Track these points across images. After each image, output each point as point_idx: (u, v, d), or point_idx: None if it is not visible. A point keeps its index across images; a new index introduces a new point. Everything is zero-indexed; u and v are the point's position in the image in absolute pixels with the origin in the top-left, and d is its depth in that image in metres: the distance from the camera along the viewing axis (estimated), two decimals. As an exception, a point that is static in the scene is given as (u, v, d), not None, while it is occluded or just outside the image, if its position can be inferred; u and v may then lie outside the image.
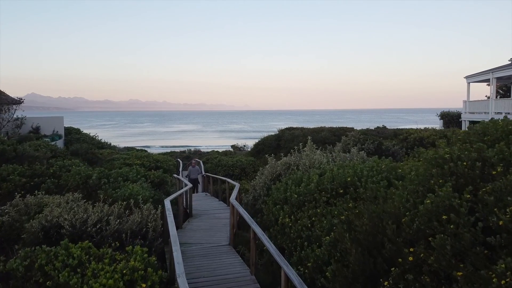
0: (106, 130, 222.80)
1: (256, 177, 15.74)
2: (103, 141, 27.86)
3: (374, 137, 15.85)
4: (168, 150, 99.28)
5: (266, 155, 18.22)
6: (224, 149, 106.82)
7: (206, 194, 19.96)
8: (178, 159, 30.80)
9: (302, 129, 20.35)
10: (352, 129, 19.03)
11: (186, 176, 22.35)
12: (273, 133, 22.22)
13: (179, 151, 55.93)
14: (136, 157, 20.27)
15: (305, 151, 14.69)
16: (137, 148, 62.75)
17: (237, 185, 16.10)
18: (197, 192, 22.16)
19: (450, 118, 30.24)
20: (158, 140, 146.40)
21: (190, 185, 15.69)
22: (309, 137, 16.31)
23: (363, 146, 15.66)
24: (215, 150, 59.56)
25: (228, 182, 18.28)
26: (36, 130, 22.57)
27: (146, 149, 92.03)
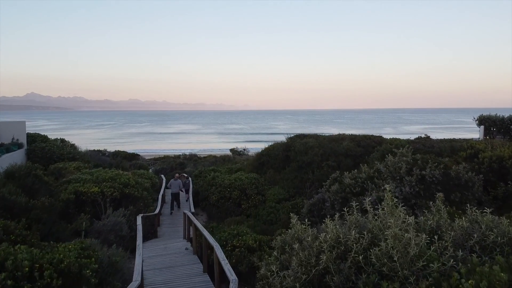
0: (104, 131, 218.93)
1: (267, 261, 6.99)
2: (79, 149, 23.56)
3: (433, 158, 10.68)
4: (163, 153, 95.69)
5: (272, 170, 14.05)
6: (223, 153, 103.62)
7: (186, 249, 13.87)
8: (162, 176, 26.70)
9: (316, 137, 16.00)
10: (380, 137, 14.64)
11: (168, 187, 18.82)
12: (280, 141, 17.98)
13: (173, 155, 52.17)
14: (98, 180, 14.91)
15: (372, 207, 5.40)
16: (129, 152, 58.74)
17: (216, 248, 10.02)
18: (178, 207, 18.57)
19: (492, 123, 23.86)
20: (154, 142, 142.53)
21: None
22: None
23: (423, 172, 9.98)
24: (212, 154, 55.57)
25: (205, 238, 11.39)
26: (-10, 137, 18.43)
27: (140, 153, 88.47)
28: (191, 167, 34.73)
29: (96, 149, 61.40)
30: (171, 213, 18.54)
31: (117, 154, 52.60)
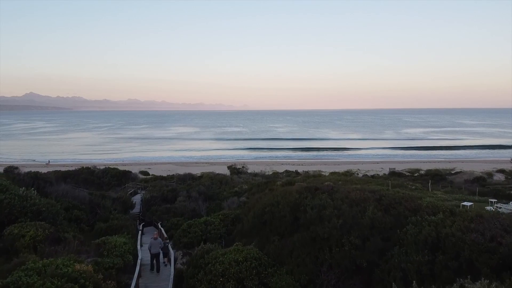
0: (101, 133, 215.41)
1: None
2: (38, 201, 18.62)
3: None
4: (158, 161, 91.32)
5: (277, 238, 10.70)
6: (221, 161, 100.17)
7: None
8: (139, 227, 23.64)
9: (331, 192, 12.61)
10: (415, 201, 11.18)
11: (148, 249, 16.02)
12: (287, 201, 14.88)
13: (166, 175, 48.88)
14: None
15: None
16: (121, 169, 55.38)
17: None
18: (158, 271, 15.58)
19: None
20: (150, 148, 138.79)
21: None
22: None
23: None
24: (209, 173, 51.92)
25: None
26: None
27: (134, 161, 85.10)
28: (183, 197, 31.27)
29: (85, 167, 57.98)
30: (151, 270, 15.93)
31: (107, 172, 49.26)
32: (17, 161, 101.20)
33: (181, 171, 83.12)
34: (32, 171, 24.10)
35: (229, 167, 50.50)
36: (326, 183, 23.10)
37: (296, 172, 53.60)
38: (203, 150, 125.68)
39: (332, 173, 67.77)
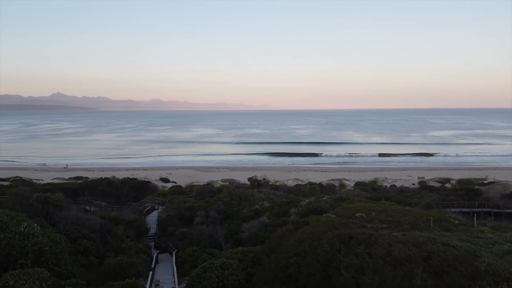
0: (124, 135, 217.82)
1: None
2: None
3: None
4: (178, 165, 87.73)
5: None
6: (241, 166, 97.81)
7: None
8: (153, 253, 22.26)
9: (371, 246, 10.32)
10: (470, 265, 9.16)
11: None
12: (316, 249, 12.86)
13: (185, 186, 47.38)
14: None
15: None
16: (141, 173, 54.43)
17: None
18: None
19: None
20: (171, 151, 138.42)
21: None
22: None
23: None
24: (229, 181, 50.28)
25: None
26: None
27: (154, 165, 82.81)
28: (201, 217, 29.57)
29: (103, 177, 57.23)
30: None
31: (126, 183, 48.27)
32: (37, 165, 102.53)
33: (201, 177, 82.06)
34: (43, 194, 22.72)
35: (249, 179, 48.66)
36: (358, 214, 20.84)
37: (321, 186, 51.23)
38: (223, 155, 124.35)
39: (358, 183, 65.08)
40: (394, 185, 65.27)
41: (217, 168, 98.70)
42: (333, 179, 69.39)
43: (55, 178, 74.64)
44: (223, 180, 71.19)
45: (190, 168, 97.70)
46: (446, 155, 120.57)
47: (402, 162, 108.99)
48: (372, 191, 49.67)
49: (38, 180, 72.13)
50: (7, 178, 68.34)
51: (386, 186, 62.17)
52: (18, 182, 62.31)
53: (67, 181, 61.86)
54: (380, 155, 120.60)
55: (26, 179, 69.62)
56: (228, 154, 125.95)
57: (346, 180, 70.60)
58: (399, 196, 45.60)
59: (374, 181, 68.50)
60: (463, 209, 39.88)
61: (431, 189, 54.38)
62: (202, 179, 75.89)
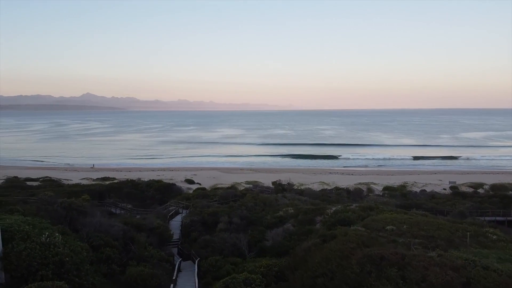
0: (151, 135, 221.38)
1: None
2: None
3: None
4: (202, 166, 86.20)
5: None
6: (265, 168, 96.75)
7: None
8: (175, 261, 21.89)
9: (404, 269, 7.82)
10: None
11: None
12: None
13: (209, 188, 47.12)
14: None
15: None
16: (167, 174, 54.72)
17: None
18: None
19: None
20: (195, 151, 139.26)
21: None
22: None
23: None
24: (252, 185, 49.57)
25: None
26: None
27: (180, 166, 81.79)
28: (224, 223, 29.07)
29: (129, 179, 57.87)
30: None
31: (151, 185, 48.51)
32: (66, 165, 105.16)
33: (225, 178, 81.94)
34: (67, 200, 22.75)
35: (273, 183, 47.84)
36: (389, 227, 19.75)
37: (347, 191, 49.83)
38: (247, 156, 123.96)
39: (386, 188, 63.15)
40: (424, 190, 62.98)
41: (241, 169, 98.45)
42: (360, 183, 67.67)
43: (83, 179, 76.18)
44: (247, 182, 70.74)
45: (214, 169, 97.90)
46: (478, 158, 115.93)
47: (432, 165, 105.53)
48: (401, 197, 47.91)
49: (67, 180, 73.84)
50: (37, 178, 70.21)
51: (415, 191, 60.02)
52: (48, 182, 63.91)
53: (94, 183, 62.94)
54: (415, 158, 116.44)
55: (55, 179, 71.37)
56: (252, 155, 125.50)
57: (374, 184, 68.71)
58: (430, 203, 43.74)
59: (403, 186, 66.35)
60: (497, 218, 37.85)
61: (463, 195, 52.00)
62: (226, 180, 75.76)
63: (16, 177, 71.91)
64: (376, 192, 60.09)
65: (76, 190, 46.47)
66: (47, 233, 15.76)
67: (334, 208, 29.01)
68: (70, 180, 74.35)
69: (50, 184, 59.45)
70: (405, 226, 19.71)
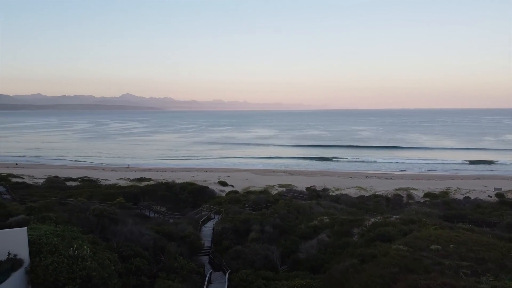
0: (187, 135, 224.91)
1: None
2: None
3: None
4: (235, 167, 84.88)
5: None
6: (298, 170, 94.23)
7: None
8: (206, 271, 21.28)
9: None
10: None
11: None
12: None
13: (242, 191, 46.34)
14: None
15: None
16: (200, 183, 54.70)
17: None
18: None
19: None
20: (230, 153, 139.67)
21: None
22: None
23: None
24: (285, 189, 48.45)
25: None
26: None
27: (213, 167, 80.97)
28: (256, 232, 28.25)
29: (163, 181, 58.35)
30: None
31: (185, 188, 48.59)
32: (103, 165, 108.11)
33: (258, 180, 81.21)
34: (99, 207, 22.68)
35: (307, 189, 46.43)
36: (433, 246, 18.14)
37: (386, 199, 47.56)
38: (281, 158, 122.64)
39: (427, 194, 60.07)
40: (468, 197, 59.44)
41: (274, 171, 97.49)
42: (399, 188, 64.88)
43: (120, 179, 77.84)
44: (280, 185, 69.66)
45: (247, 170, 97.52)
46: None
47: (475, 170, 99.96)
48: (443, 205, 45.19)
49: (105, 180, 75.74)
50: (77, 178, 72.41)
51: (459, 198, 56.73)
52: (86, 182, 65.69)
53: (130, 183, 64.02)
54: (457, 161, 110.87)
55: (93, 179, 73.36)
56: (286, 157, 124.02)
57: (414, 189, 65.67)
58: (475, 213, 40.95)
59: (445, 192, 62.97)
60: (551, 231, 34.67)
61: (511, 204, 48.51)
62: (259, 183, 75.04)
63: (56, 176, 74.61)
64: (417, 199, 57.30)
65: (112, 192, 47.21)
66: (75, 246, 15.52)
67: (372, 220, 27.45)
68: (108, 180, 76.19)
69: (88, 185, 60.99)
70: (451, 245, 18.01)
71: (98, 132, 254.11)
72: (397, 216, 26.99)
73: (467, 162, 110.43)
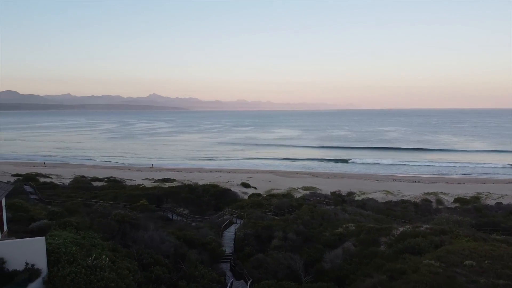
0: (211, 135, 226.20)
1: None
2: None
3: None
4: (258, 168, 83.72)
5: None
6: (323, 172, 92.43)
7: None
8: (227, 280, 20.71)
9: None
10: None
11: None
12: None
13: (264, 194, 45.64)
14: None
15: None
16: (222, 186, 54.45)
17: None
18: None
19: None
20: (253, 154, 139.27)
21: None
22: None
23: None
24: (309, 192, 47.42)
25: None
26: (-3, 266, 13.58)
27: (236, 168, 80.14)
28: (278, 239, 27.57)
29: (186, 183, 58.41)
30: None
31: (208, 190, 48.44)
32: (128, 165, 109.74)
33: (281, 182, 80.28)
34: (120, 212, 22.54)
35: (332, 193, 45.21)
36: (467, 262, 16.98)
37: (415, 205, 45.73)
38: (304, 160, 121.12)
39: (458, 200, 57.68)
40: (500, 203, 56.71)
41: (297, 173, 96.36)
42: (428, 193, 62.65)
43: (145, 179, 78.64)
44: (304, 188, 68.57)
45: (270, 172, 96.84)
46: None
47: (508, 174, 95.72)
48: (475, 212, 43.15)
49: (130, 180, 76.73)
50: (103, 178, 73.62)
51: (490, 204, 54.20)
52: (111, 183, 66.65)
53: (154, 184, 64.47)
54: (482, 166, 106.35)
55: (119, 179, 74.44)
56: (310, 159, 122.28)
57: (443, 194, 63.29)
58: (508, 221, 38.79)
59: (477, 197, 60.34)
60: None
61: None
62: (282, 185, 74.12)
63: (83, 176, 76.14)
64: (446, 204, 55.10)
65: (136, 193, 47.51)
66: (94, 255, 15.29)
67: (401, 229, 26.26)
68: (133, 180, 77.15)
69: (113, 185, 61.83)
70: (486, 261, 16.80)
71: (124, 132, 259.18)
72: (427, 226, 25.68)
73: (500, 165, 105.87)
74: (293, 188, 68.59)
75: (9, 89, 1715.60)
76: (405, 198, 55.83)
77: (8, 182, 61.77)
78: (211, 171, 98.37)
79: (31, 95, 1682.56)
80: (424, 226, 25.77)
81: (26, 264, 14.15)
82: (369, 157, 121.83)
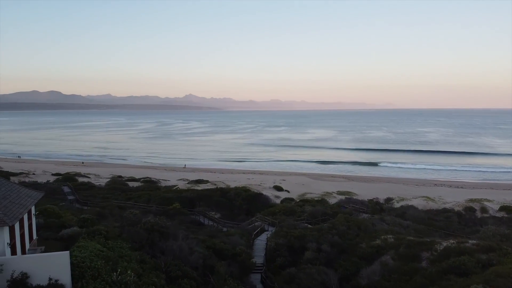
0: (244, 136, 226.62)
1: None
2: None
3: None
4: (290, 170, 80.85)
5: None
6: (358, 176, 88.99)
7: None
8: None
9: None
10: None
11: None
12: None
13: (298, 199, 44.21)
14: None
15: None
16: (255, 189, 53.67)
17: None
18: None
19: None
20: (286, 155, 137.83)
21: None
22: None
23: None
24: (345, 197, 45.61)
25: None
26: (21, 280, 13.36)
27: (268, 170, 77.76)
28: (312, 251, 26.45)
29: (218, 186, 58.06)
30: None
31: (239, 194, 47.95)
32: (163, 165, 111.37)
33: (315, 186, 78.46)
34: (150, 220, 22.21)
35: (369, 201, 43.29)
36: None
37: (458, 215, 42.91)
38: (339, 163, 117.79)
39: (504, 208, 53.81)
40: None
41: (332, 176, 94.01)
42: (471, 199, 59.01)
43: (180, 179, 79.31)
44: (339, 193, 66.55)
45: (303, 174, 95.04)
46: None
47: None
48: (526, 223, 39.90)
49: (165, 180, 77.62)
50: (139, 178, 74.89)
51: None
52: (147, 184, 67.62)
53: (188, 185, 64.79)
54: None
55: (154, 179, 75.46)
56: (345, 162, 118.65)
57: (488, 201, 59.36)
58: None
59: (527, 206, 56.07)
60: None
61: None
62: (316, 189, 72.37)
63: (120, 176, 77.85)
64: (491, 212, 51.62)
65: (169, 196, 47.71)
66: (119, 271, 14.85)
67: (444, 244, 24.39)
68: (168, 180, 78.02)
69: (148, 186, 62.65)
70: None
71: (161, 132, 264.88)
72: (474, 242, 23.64)
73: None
74: (327, 193, 66.74)
75: (53, 90, 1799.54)
76: (447, 205, 52.83)
77: (48, 181, 63.83)
78: (244, 173, 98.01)
79: (73, 95, 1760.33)
80: (470, 241, 23.78)
81: (50, 279, 13.85)
82: (408, 160, 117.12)
